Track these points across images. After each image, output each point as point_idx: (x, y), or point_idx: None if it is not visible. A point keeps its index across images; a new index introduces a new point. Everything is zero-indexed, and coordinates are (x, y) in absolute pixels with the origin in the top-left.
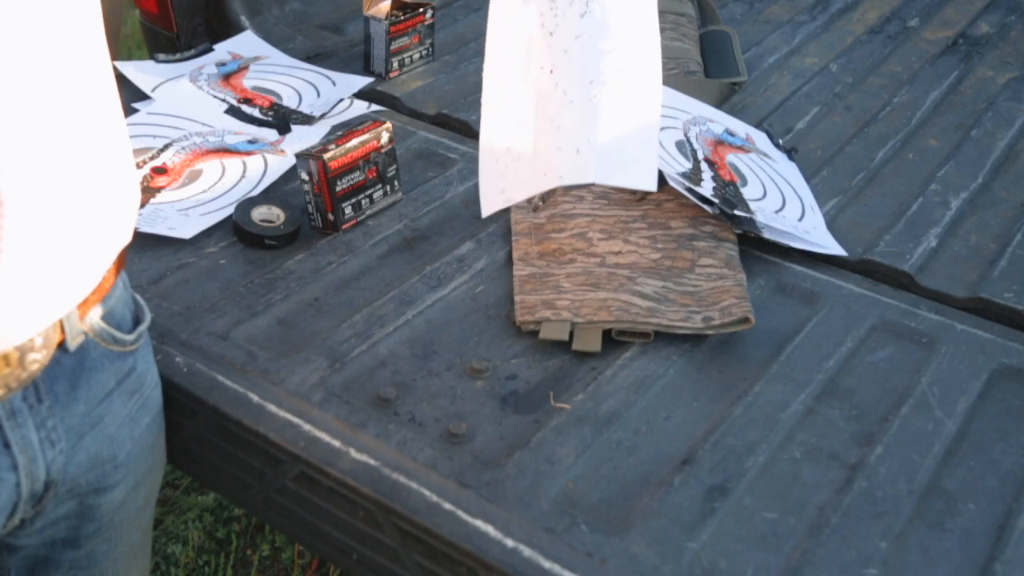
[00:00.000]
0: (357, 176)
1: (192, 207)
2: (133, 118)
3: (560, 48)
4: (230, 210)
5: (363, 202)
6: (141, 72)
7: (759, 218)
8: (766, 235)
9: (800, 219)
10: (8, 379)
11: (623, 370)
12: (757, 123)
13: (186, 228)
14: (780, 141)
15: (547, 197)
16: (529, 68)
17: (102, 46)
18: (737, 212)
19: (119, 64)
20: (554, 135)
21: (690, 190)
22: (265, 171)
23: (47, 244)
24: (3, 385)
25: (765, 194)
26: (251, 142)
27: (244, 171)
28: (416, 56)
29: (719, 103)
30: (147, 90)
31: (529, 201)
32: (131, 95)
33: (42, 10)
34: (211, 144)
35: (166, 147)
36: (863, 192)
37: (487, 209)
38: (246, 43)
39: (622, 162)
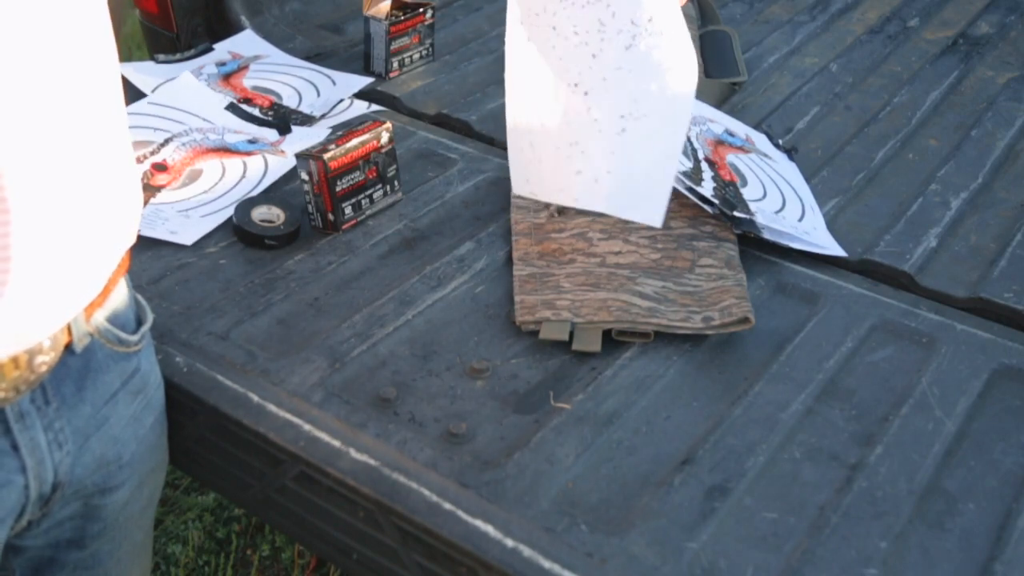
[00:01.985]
0: (357, 176)
1: (193, 208)
2: (134, 107)
3: (600, 74)
4: (230, 211)
5: (363, 202)
6: (141, 73)
7: (759, 219)
8: (766, 235)
9: (800, 219)
10: (17, 382)
11: (623, 370)
12: (757, 123)
13: (187, 232)
14: (780, 141)
15: (563, 210)
16: (560, 82)
17: (111, 48)
18: (737, 213)
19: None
20: (577, 158)
21: (691, 189)
22: (265, 172)
23: (55, 249)
24: (13, 388)
25: (765, 194)
26: (251, 142)
27: (244, 171)
28: (416, 56)
29: (719, 103)
30: (147, 91)
31: (547, 207)
32: (132, 96)
33: (52, 17)
34: (211, 142)
35: (167, 142)
36: (863, 192)
37: (516, 190)
38: (246, 42)
39: (635, 198)
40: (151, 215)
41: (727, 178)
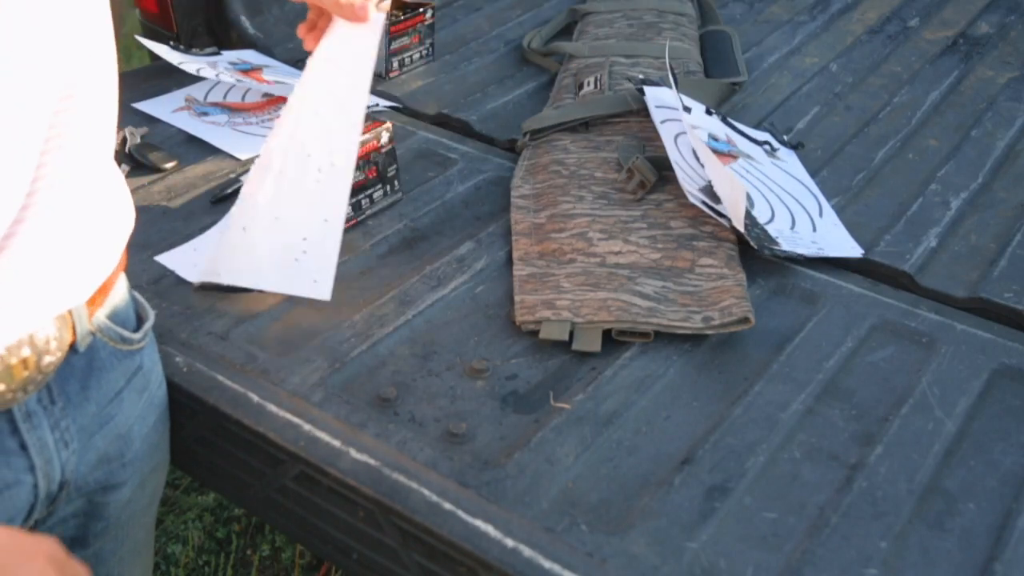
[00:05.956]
0: (357, 176)
1: None
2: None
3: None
4: None
5: (363, 202)
6: (162, 50)
7: (784, 246)
8: (787, 250)
9: (814, 229)
10: (26, 382)
11: (623, 370)
12: (757, 123)
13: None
14: (785, 137)
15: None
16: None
17: (111, 42)
18: (775, 248)
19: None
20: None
21: (710, 207)
22: None
23: (63, 235)
24: (21, 388)
25: (773, 215)
26: None
27: None
28: (416, 56)
29: (719, 103)
30: (175, 62)
31: (548, 207)
32: (131, 95)
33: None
34: None
35: None
36: (863, 192)
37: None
38: (252, 55)
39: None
40: None
41: None
